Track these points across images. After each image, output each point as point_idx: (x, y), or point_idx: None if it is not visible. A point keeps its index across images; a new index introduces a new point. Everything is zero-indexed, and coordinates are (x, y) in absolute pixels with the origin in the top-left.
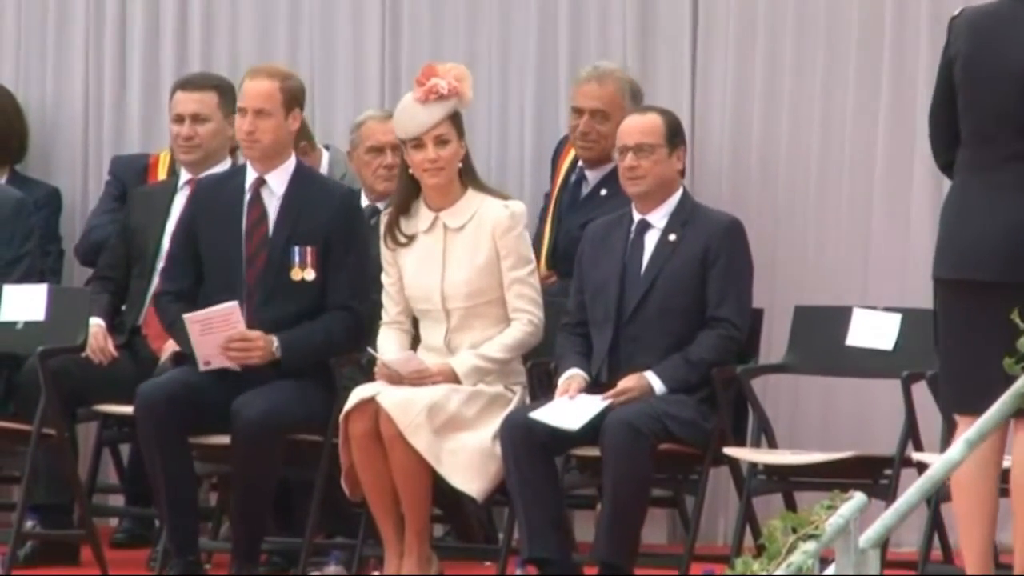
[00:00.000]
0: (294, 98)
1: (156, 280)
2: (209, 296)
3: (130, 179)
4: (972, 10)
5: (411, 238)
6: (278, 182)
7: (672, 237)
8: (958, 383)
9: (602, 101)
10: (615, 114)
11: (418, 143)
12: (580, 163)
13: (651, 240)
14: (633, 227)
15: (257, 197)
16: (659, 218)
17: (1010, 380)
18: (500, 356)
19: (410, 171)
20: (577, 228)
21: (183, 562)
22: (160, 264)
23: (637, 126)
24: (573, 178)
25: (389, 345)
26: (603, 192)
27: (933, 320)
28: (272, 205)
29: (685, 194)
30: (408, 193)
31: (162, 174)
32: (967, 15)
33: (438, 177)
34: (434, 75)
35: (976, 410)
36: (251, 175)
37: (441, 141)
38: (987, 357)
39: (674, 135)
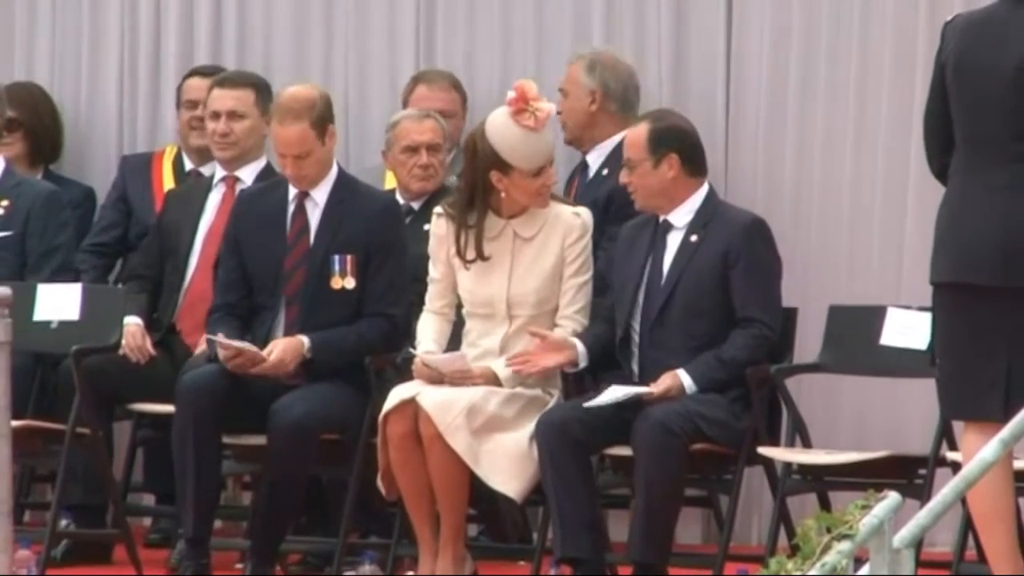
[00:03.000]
0: (324, 120)
1: (190, 276)
2: (252, 307)
3: (133, 177)
4: (964, 15)
5: (484, 259)
6: (321, 193)
7: (694, 238)
8: (955, 388)
9: (565, 81)
10: (573, 90)
11: (539, 170)
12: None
13: (673, 241)
14: (657, 228)
15: (300, 209)
16: (681, 218)
17: (1010, 383)
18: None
19: (502, 194)
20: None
21: (195, 564)
22: (194, 260)
23: (627, 140)
24: (580, 168)
25: (431, 332)
26: (604, 171)
27: (931, 326)
28: (315, 216)
29: (710, 194)
30: (485, 212)
31: (167, 168)
32: (959, 19)
33: (548, 199)
34: (531, 98)
35: (974, 415)
36: (294, 187)
37: (552, 161)
38: (984, 361)
39: (660, 143)
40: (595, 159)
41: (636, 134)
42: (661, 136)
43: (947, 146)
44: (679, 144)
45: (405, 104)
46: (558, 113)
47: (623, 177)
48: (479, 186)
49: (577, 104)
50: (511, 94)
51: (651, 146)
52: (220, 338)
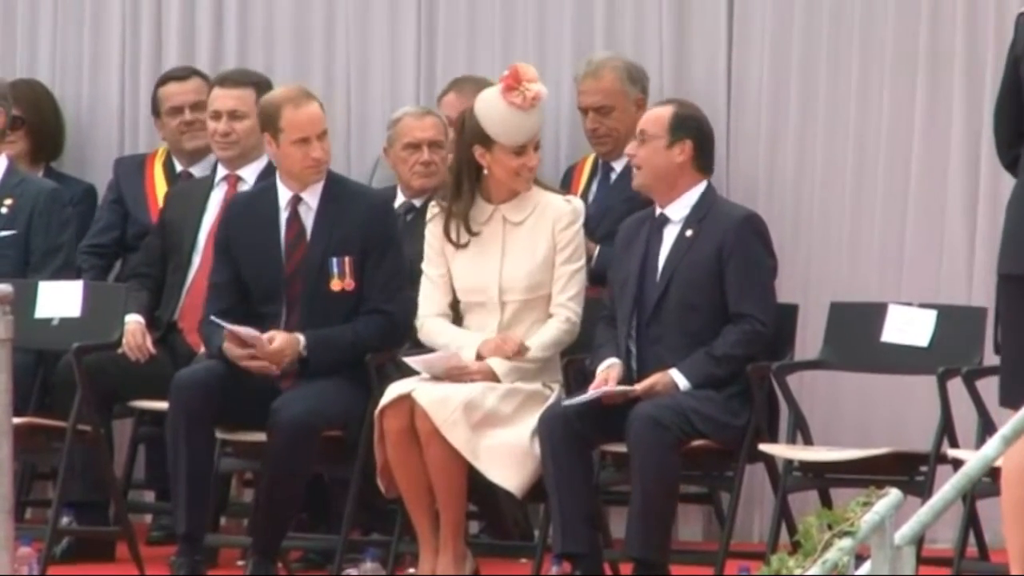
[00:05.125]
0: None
1: (192, 274)
2: (253, 312)
3: (127, 179)
4: None
5: (473, 235)
6: (313, 196)
7: (689, 233)
8: (1013, 378)
9: (602, 95)
10: (619, 104)
11: (521, 149)
12: (601, 160)
13: (669, 236)
14: (654, 223)
15: (295, 215)
16: (678, 212)
17: None
18: (539, 355)
19: (484, 172)
20: (620, 202)
21: (190, 561)
22: (197, 258)
23: (646, 115)
24: (599, 174)
25: (445, 333)
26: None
27: (995, 318)
28: (309, 220)
29: (708, 189)
30: (472, 193)
31: (158, 170)
32: None
33: (531, 182)
34: (524, 79)
35: None
36: (285, 192)
37: (537, 146)
38: None
39: (680, 127)
40: (620, 164)
41: (659, 112)
42: (684, 120)
43: (1016, 139)
44: (697, 133)
45: (439, 105)
46: (593, 130)
47: (630, 149)
48: (465, 163)
49: (625, 115)
50: (505, 72)
51: (672, 126)
52: (226, 325)
